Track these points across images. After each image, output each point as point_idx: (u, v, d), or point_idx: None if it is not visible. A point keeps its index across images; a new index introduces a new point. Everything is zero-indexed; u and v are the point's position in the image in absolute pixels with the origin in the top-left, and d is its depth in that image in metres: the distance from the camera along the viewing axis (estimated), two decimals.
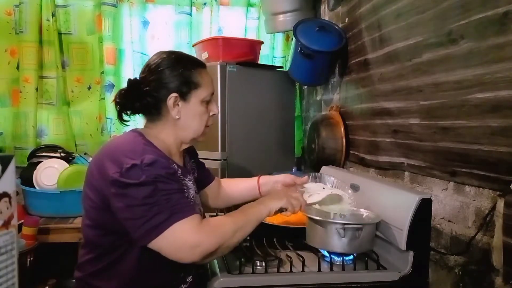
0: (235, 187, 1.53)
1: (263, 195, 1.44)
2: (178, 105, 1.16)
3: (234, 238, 1.07)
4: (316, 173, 1.50)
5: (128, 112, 1.19)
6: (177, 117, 1.16)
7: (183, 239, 1.00)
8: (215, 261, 1.29)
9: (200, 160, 1.46)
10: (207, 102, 1.21)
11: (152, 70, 1.17)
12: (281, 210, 1.20)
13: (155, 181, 1.00)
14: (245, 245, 1.35)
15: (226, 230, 1.06)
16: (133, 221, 1.00)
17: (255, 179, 1.50)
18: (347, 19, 1.99)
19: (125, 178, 1.00)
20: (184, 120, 1.18)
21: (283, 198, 1.20)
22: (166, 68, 1.15)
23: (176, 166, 1.16)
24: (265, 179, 1.49)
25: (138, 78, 1.20)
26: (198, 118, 1.19)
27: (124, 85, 1.23)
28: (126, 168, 1.00)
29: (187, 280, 1.17)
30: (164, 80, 1.15)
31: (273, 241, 1.41)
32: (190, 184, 1.22)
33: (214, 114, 1.24)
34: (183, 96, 1.16)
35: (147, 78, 1.17)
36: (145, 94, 1.16)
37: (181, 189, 1.09)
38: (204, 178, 1.46)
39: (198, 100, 1.18)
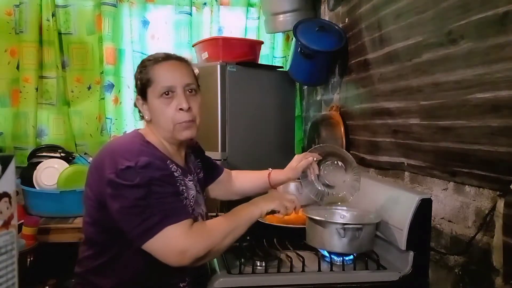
0: (247, 181, 1.51)
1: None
2: (144, 105, 1.19)
3: (225, 242, 1.08)
4: (322, 145, 1.50)
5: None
6: (147, 117, 1.19)
7: (172, 243, 1.01)
8: (215, 260, 1.29)
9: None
10: (166, 96, 1.14)
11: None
12: (273, 212, 1.19)
13: (149, 183, 1.02)
14: (245, 245, 1.35)
15: (216, 234, 1.07)
16: (127, 222, 1.02)
17: (265, 174, 1.47)
18: (347, 19, 1.98)
19: (120, 179, 1.01)
20: (154, 119, 1.18)
21: (275, 201, 1.18)
22: (135, 73, 1.21)
23: (175, 166, 1.17)
24: (276, 177, 1.46)
25: None
26: (160, 115, 1.16)
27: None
28: (120, 169, 1.02)
29: (186, 279, 1.17)
30: (135, 85, 1.21)
31: (273, 241, 1.41)
32: (190, 184, 1.22)
33: (181, 108, 1.15)
34: (143, 95, 1.18)
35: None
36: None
37: (176, 192, 1.10)
38: (211, 172, 1.46)
39: (154, 96, 1.15)
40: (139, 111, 1.23)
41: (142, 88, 1.17)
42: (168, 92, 1.15)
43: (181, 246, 1.01)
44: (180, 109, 1.15)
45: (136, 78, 1.20)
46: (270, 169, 1.48)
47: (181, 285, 1.16)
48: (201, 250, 1.03)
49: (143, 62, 1.21)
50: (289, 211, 1.20)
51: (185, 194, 1.17)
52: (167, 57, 1.20)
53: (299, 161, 1.42)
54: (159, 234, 1.00)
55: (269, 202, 1.18)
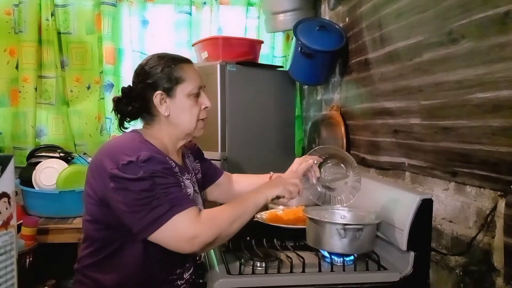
0: (248, 184, 1.50)
1: None
2: (165, 102, 1.19)
3: (232, 228, 1.11)
4: (322, 147, 1.49)
5: (128, 119, 1.24)
6: (166, 114, 1.19)
7: (182, 231, 1.04)
8: (215, 261, 1.29)
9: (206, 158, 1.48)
10: (195, 96, 1.22)
11: (138, 74, 1.22)
12: (278, 197, 1.21)
13: (152, 176, 1.04)
14: (245, 246, 1.34)
15: (224, 220, 1.09)
16: (133, 214, 1.04)
17: (266, 178, 1.47)
18: (347, 18, 1.98)
19: (123, 173, 1.03)
20: (175, 116, 1.20)
21: (279, 186, 1.21)
22: (149, 69, 1.19)
23: (173, 163, 1.19)
24: None
25: (130, 85, 1.24)
26: (187, 112, 1.21)
27: (123, 84, 1.26)
28: (122, 164, 1.04)
29: (185, 276, 1.19)
30: (148, 81, 1.19)
31: (273, 241, 1.41)
32: (187, 182, 1.23)
33: (206, 107, 1.24)
34: (168, 92, 1.18)
35: (135, 82, 1.22)
36: (135, 98, 1.20)
37: (178, 183, 1.12)
38: (210, 174, 1.47)
39: (184, 94, 1.20)
40: (143, 111, 1.22)
41: (170, 84, 1.18)
42: (199, 92, 1.22)
43: (192, 232, 1.04)
44: (205, 107, 1.24)
45: (162, 74, 1.18)
46: (271, 172, 1.48)
47: (179, 283, 1.17)
48: (210, 235, 1.06)
49: (162, 58, 1.20)
50: (293, 195, 1.23)
51: (184, 190, 1.17)
52: (188, 59, 1.25)
53: (299, 164, 1.42)
54: (168, 223, 1.02)
55: (274, 187, 1.21)
